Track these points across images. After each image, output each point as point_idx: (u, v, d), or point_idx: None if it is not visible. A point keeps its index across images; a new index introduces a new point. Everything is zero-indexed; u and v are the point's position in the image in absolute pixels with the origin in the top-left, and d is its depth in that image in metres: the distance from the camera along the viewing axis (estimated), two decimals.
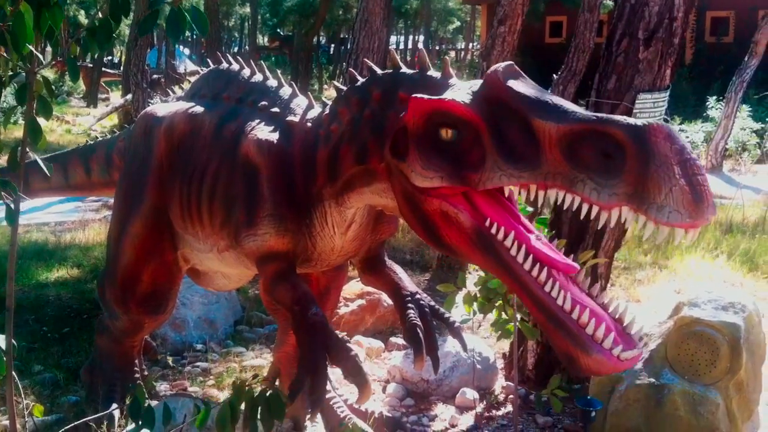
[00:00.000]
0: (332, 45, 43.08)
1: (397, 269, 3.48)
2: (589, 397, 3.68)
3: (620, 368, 2.30)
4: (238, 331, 5.75)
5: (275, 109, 3.33)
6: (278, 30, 41.22)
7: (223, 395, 4.53)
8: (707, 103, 16.63)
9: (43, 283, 6.71)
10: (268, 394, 2.39)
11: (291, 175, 3.13)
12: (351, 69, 3.27)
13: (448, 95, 2.53)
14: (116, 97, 25.86)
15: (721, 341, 3.76)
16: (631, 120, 2.16)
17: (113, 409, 3.95)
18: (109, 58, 38.02)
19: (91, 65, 23.42)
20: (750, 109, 16.16)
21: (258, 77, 3.58)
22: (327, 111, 3.11)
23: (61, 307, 6.05)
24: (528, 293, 2.37)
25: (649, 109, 4.51)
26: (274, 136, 3.20)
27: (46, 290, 6.44)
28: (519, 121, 2.33)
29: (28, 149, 2.18)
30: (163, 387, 4.60)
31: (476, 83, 2.54)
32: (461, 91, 2.55)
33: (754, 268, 7.45)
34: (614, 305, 2.38)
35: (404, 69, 2.86)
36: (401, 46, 43.65)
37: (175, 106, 3.78)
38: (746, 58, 13.86)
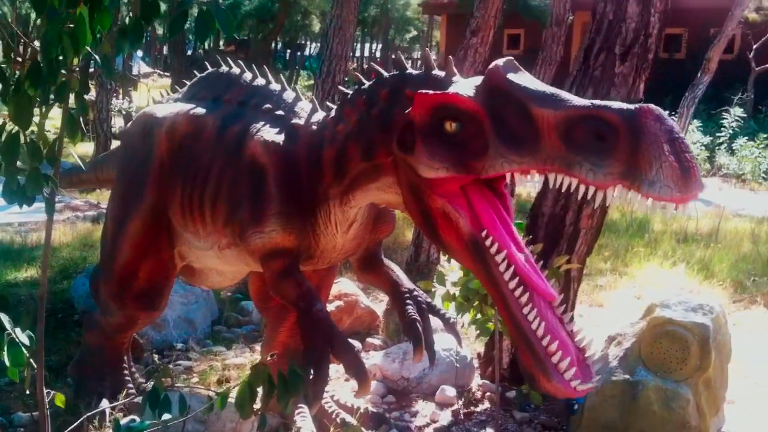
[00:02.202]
0: (288, 50, 43.02)
1: (395, 267, 3.62)
2: None
3: (572, 395, 2.50)
4: (216, 331, 5.83)
5: (279, 112, 3.45)
6: (234, 34, 41.01)
7: (208, 392, 4.60)
8: None
9: (12, 282, 6.69)
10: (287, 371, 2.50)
11: (297, 174, 3.24)
12: (356, 73, 3.40)
13: (451, 89, 2.67)
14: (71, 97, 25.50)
15: (691, 340, 3.97)
16: (622, 105, 2.30)
17: (107, 407, 4.01)
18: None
19: None
20: (701, 123, 16.72)
21: (260, 81, 3.69)
22: (332, 114, 3.23)
23: (34, 306, 6.04)
24: (508, 310, 2.54)
25: None
26: (280, 138, 3.32)
27: (17, 289, 6.43)
28: (519, 109, 2.46)
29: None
30: (149, 385, 4.65)
31: (478, 79, 2.67)
32: (464, 85, 2.69)
33: (710, 276, 7.76)
34: (581, 335, 2.57)
35: (410, 70, 3.00)
36: (357, 53, 43.79)
37: (174, 107, 3.85)
38: (699, 75, 14.35)
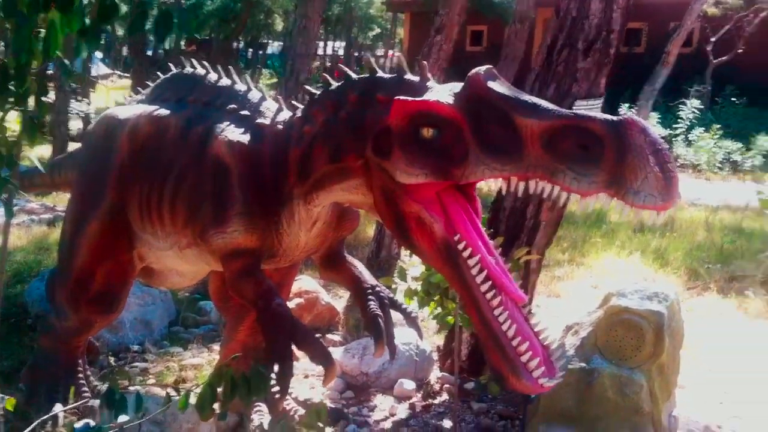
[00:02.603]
0: (250, 49, 42.80)
1: (357, 264, 3.62)
2: None
3: (539, 392, 2.60)
4: (174, 332, 5.77)
5: (244, 112, 3.41)
6: (195, 34, 40.66)
7: (166, 391, 4.55)
8: (620, 110, 17.36)
9: None
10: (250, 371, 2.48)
11: (261, 174, 3.22)
12: (324, 74, 3.38)
13: (429, 96, 2.67)
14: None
15: (646, 328, 4.01)
16: (607, 116, 2.36)
17: (60, 411, 3.94)
18: None
19: None
20: (659, 116, 16.96)
21: (225, 81, 3.65)
22: (299, 114, 3.21)
23: None
24: (479, 312, 2.57)
25: None
26: (245, 138, 3.29)
27: None
28: (501, 118, 2.48)
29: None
30: (104, 387, 4.58)
31: (456, 85, 2.68)
32: (442, 92, 2.69)
33: (665, 264, 7.87)
34: (545, 333, 2.63)
35: (381, 73, 2.98)
36: (320, 51, 43.69)
37: (137, 108, 3.80)
38: (658, 68, 14.52)
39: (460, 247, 2.61)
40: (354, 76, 3.06)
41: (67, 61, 2.92)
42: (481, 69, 2.60)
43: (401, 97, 2.67)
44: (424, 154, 2.61)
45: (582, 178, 2.32)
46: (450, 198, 2.70)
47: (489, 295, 2.56)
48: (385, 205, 2.79)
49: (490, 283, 2.58)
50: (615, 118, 2.33)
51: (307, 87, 3.34)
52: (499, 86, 2.57)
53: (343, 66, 3.42)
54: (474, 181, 2.61)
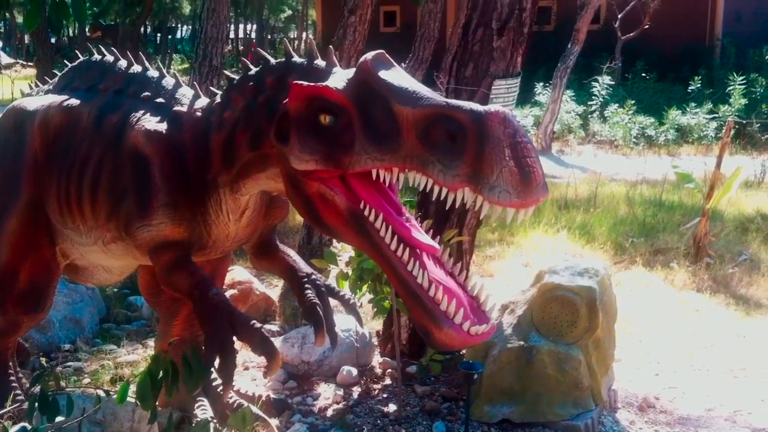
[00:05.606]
0: (158, 34, 41.78)
1: (291, 252, 3.58)
2: (471, 361, 3.94)
3: (470, 342, 2.46)
4: (105, 329, 5.64)
5: (160, 100, 3.32)
6: (99, 20, 39.43)
7: (98, 392, 4.44)
8: (535, 89, 17.71)
9: None
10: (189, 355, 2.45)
11: (183, 163, 3.14)
12: (243, 58, 3.30)
13: (327, 82, 2.62)
14: None
15: (579, 303, 4.13)
16: (475, 106, 2.29)
17: None
18: None
19: None
20: (573, 93, 17.35)
21: (137, 68, 3.55)
22: (218, 99, 3.14)
23: None
24: (393, 271, 2.52)
25: (504, 94, 4.84)
26: (163, 126, 3.19)
27: None
28: (383, 106, 2.44)
29: None
30: (37, 389, 4.44)
31: (351, 71, 2.63)
32: (339, 77, 2.64)
33: (591, 239, 8.09)
34: (472, 284, 2.56)
35: (295, 58, 2.94)
36: (231, 35, 42.95)
37: (46, 99, 3.66)
38: (569, 45, 14.80)
39: (366, 212, 2.56)
40: (272, 60, 3.01)
41: None
42: (371, 54, 2.56)
43: (298, 82, 2.62)
44: (318, 141, 2.57)
45: (447, 171, 2.25)
46: (354, 175, 2.62)
47: (399, 251, 2.50)
48: (292, 192, 2.76)
49: (397, 237, 2.52)
50: (480, 107, 2.26)
51: (228, 73, 3.28)
52: (386, 73, 2.52)
53: (260, 50, 3.36)
54: (360, 171, 2.53)
